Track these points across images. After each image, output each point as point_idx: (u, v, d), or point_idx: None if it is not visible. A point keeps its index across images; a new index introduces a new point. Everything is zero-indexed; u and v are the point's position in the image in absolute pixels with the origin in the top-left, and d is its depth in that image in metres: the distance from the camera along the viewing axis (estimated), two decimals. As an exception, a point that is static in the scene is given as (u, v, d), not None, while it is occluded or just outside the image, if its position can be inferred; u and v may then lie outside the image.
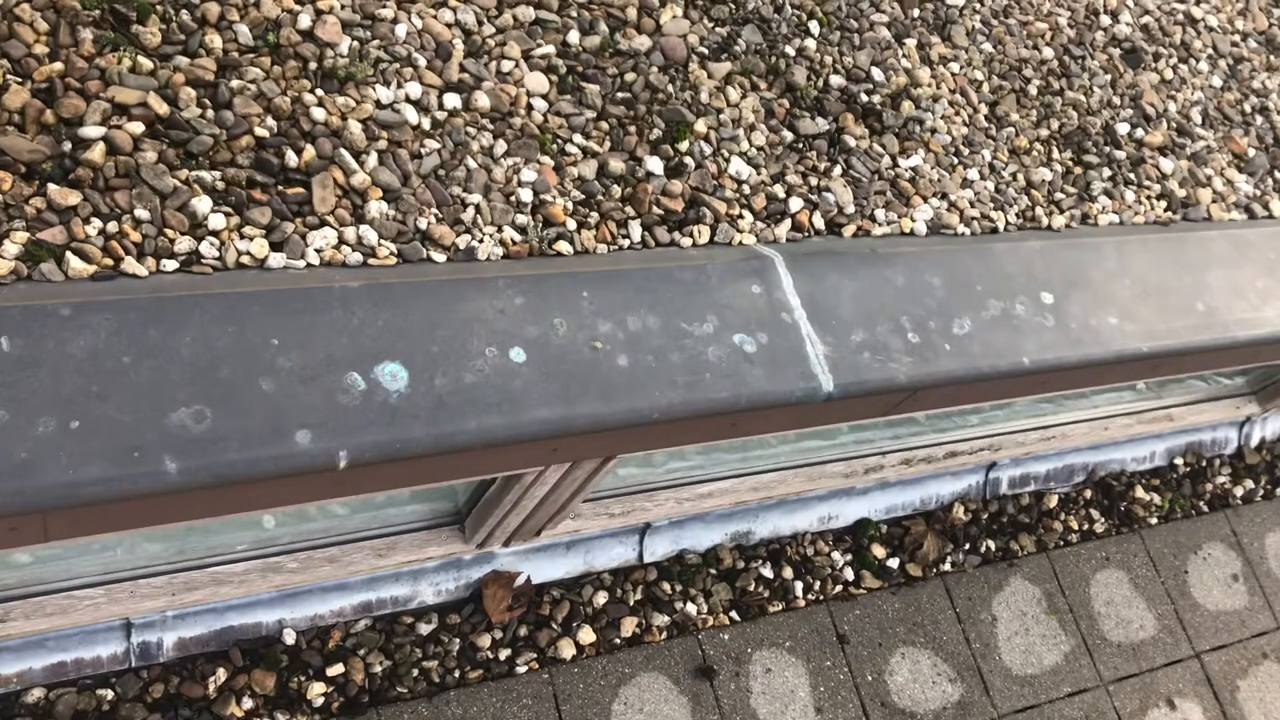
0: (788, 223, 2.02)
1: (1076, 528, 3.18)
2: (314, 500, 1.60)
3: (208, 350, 1.42)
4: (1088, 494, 3.25)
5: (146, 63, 1.62)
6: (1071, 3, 2.80)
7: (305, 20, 1.77)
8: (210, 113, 1.63)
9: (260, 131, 1.65)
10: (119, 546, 1.99)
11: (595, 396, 1.63)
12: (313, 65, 1.75)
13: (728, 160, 2.03)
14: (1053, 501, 3.17)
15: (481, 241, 1.72)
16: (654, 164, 1.94)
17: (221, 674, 2.08)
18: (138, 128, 1.57)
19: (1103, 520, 3.24)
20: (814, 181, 2.09)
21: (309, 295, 1.52)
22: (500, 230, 1.75)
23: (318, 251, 1.60)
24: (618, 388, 1.65)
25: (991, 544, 3.02)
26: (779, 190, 2.04)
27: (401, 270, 1.63)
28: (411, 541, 2.16)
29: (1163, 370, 2.41)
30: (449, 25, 1.90)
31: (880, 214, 2.12)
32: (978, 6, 2.62)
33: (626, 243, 1.87)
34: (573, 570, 2.48)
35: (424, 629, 2.28)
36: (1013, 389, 2.15)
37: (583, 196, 1.86)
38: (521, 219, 1.78)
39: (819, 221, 2.05)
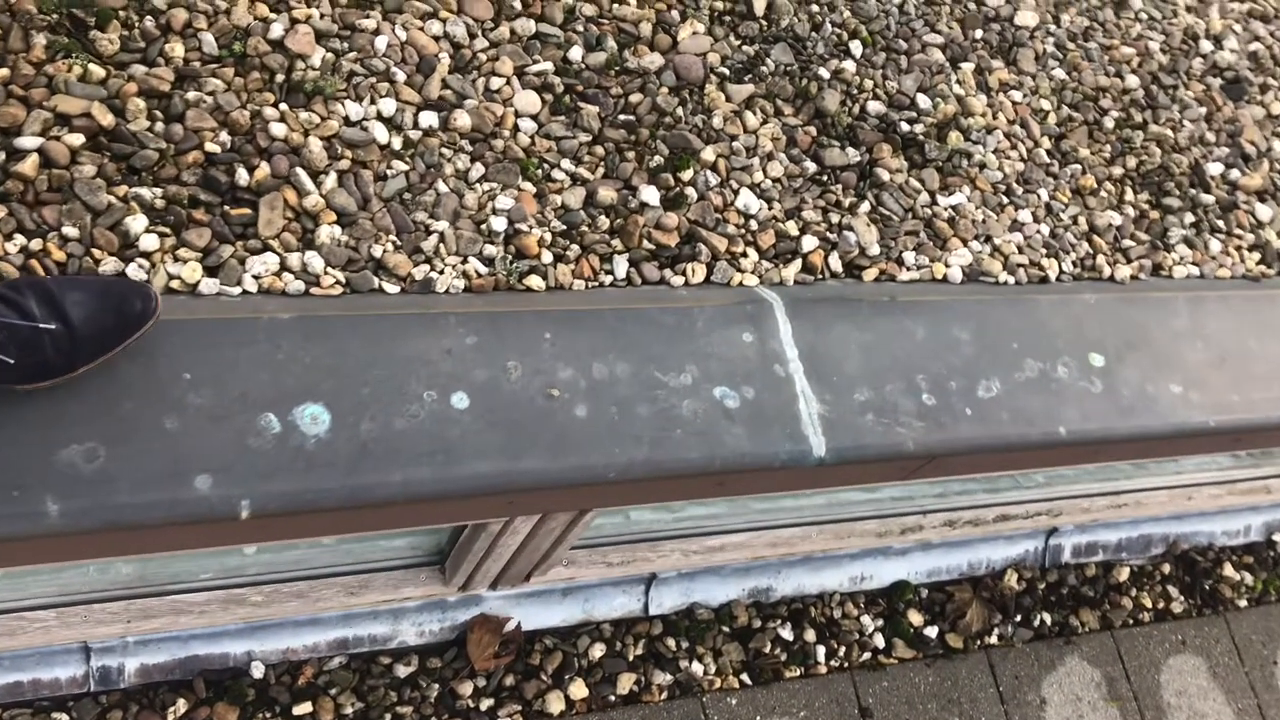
0: (798, 263, 1.82)
1: (1150, 605, 2.87)
2: (218, 546, 1.50)
3: (112, 382, 1.32)
4: (1166, 568, 2.94)
5: (98, 71, 1.54)
6: (1167, 25, 2.52)
7: (277, 29, 1.67)
8: (160, 125, 1.54)
9: (211, 147, 1.55)
10: (91, 566, 1.93)
11: (543, 450, 1.48)
12: (279, 78, 1.64)
13: (736, 192, 1.85)
14: (1123, 574, 2.87)
15: (441, 273, 1.59)
16: (649, 194, 1.78)
17: (182, 705, 2.00)
18: (77, 139, 1.48)
19: (1181, 599, 2.91)
20: (835, 218, 1.90)
21: (231, 326, 1.41)
22: (465, 261, 1.62)
23: (255, 278, 1.49)
24: (571, 442, 1.50)
25: (1047, 617, 2.75)
26: (791, 227, 1.85)
27: (345, 302, 1.51)
28: (386, 580, 2.04)
29: (1243, 445, 2.12)
30: (436, 38, 1.78)
31: (909, 257, 1.90)
32: (1052, 28, 2.37)
33: (609, 279, 1.71)
34: (569, 618, 2.32)
35: (402, 671, 2.16)
36: (1047, 460, 1.91)
37: (564, 227, 1.71)
38: (490, 249, 1.64)
39: (835, 263, 1.85)
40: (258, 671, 2.06)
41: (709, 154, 1.86)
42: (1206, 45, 2.51)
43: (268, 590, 1.95)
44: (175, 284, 1.46)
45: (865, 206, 1.93)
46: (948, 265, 1.92)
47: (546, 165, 1.75)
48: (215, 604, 1.92)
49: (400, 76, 1.72)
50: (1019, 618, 2.71)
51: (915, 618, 2.61)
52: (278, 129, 1.60)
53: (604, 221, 1.74)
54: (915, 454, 1.68)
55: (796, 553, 2.43)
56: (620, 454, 1.51)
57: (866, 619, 2.57)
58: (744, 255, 1.80)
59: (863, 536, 2.47)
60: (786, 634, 2.48)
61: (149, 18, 1.62)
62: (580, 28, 1.91)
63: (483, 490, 1.43)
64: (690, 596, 2.43)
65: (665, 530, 2.29)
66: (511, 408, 1.48)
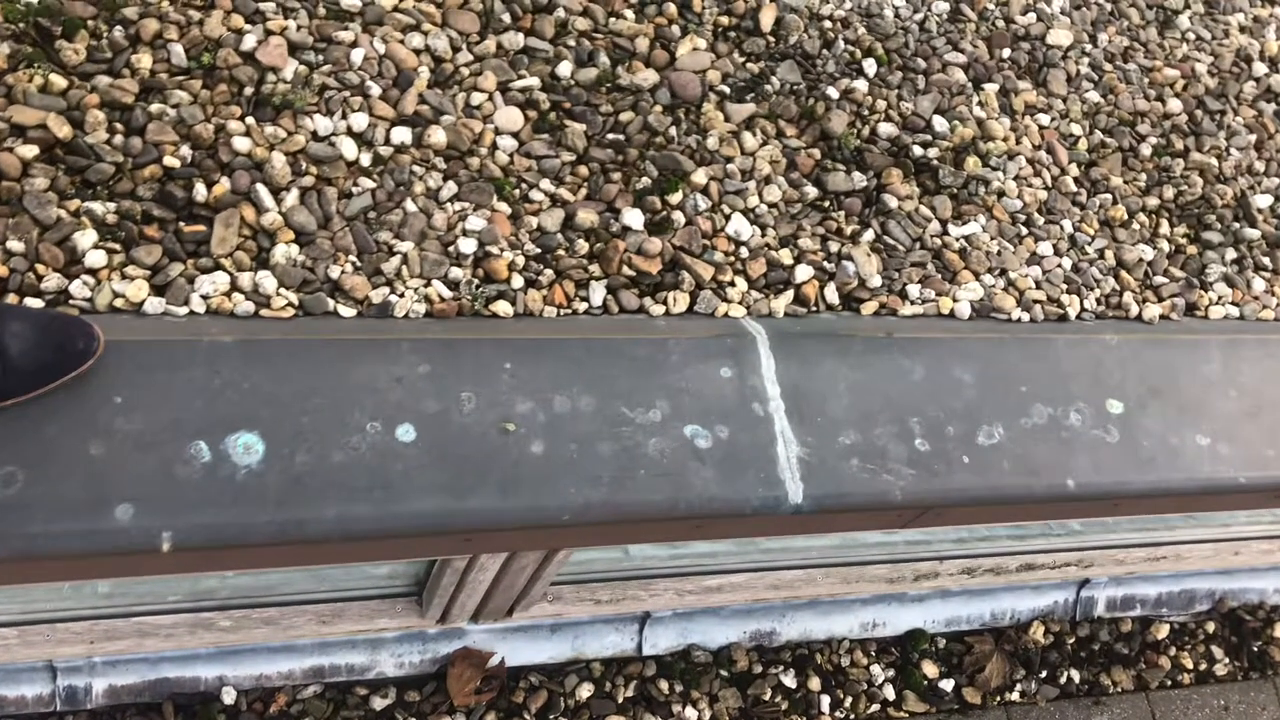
0: (789, 294, 1.72)
1: (1190, 666, 2.68)
2: (140, 577, 1.44)
3: (37, 404, 1.27)
4: (1210, 627, 2.74)
5: (60, 81, 1.51)
6: (1217, 46, 2.36)
7: (250, 41, 1.62)
8: (119, 138, 1.50)
9: (171, 161, 1.50)
10: (65, 585, 1.89)
11: (492, 489, 1.39)
12: (248, 91, 1.59)
13: (727, 217, 1.75)
14: (1162, 631, 2.69)
15: (402, 296, 1.52)
16: (633, 217, 1.69)
17: (149, 729, 1.96)
18: (31, 151, 1.45)
19: (1226, 660, 2.72)
20: (834, 247, 1.78)
21: (170, 348, 1.35)
22: (428, 284, 1.54)
23: (204, 298, 1.44)
24: (523, 480, 1.41)
25: (1075, 675, 2.58)
26: (785, 255, 1.75)
27: (293, 325, 1.45)
28: (361, 610, 1.97)
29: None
30: (417, 51, 1.72)
31: (914, 290, 1.78)
32: (1088, 48, 2.22)
33: (584, 306, 1.62)
34: (557, 655, 2.23)
35: (378, 703, 2.09)
36: (1054, 514, 1.77)
37: (538, 251, 1.62)
38: (457, 272, 1.56)
39: (832, 295, 1.74)
40: (229, 697, 2.01)
41: (700, 176, 1.76)
42: (1260, 68, 2.34)
43: (237, 615, 1.89)
44: (120, 302, 1.41)
45: (869, 235, 1.81)
46: (955, 300, 1.79)
47: (525, 185, 1.68)
48: (182, 627, 1.87)
49: (375, 90, 1.65)
50: (1044, 674, 2.55)
51: (930, 669, 2.46)
52: (241, 143, 1.54)
53: (582, 245, 1.65)
54: (903, 504, 1.56)
55: (800, 597, 2.31)
56: (576, 495, 1.42)
57: (877, 668, 2.43)
58: (731, 284, 1.70)
59: (873, 582, 2.34)
60: (789, 681, 2.36)
61: (118, 28, 1.59)
62: (572, 42, 1.83)
63: (424, 530, 1.36)
64: (687, 637, 2.33)
65: (660, 567, 2.19)
66: (461, 442, 1.40)
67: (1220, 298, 1.99)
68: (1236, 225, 2.09)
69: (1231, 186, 2.14)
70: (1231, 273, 2.02)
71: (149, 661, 1.96)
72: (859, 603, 2.45)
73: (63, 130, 1.47)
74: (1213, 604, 2.77)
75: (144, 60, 1.57)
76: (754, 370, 1.58)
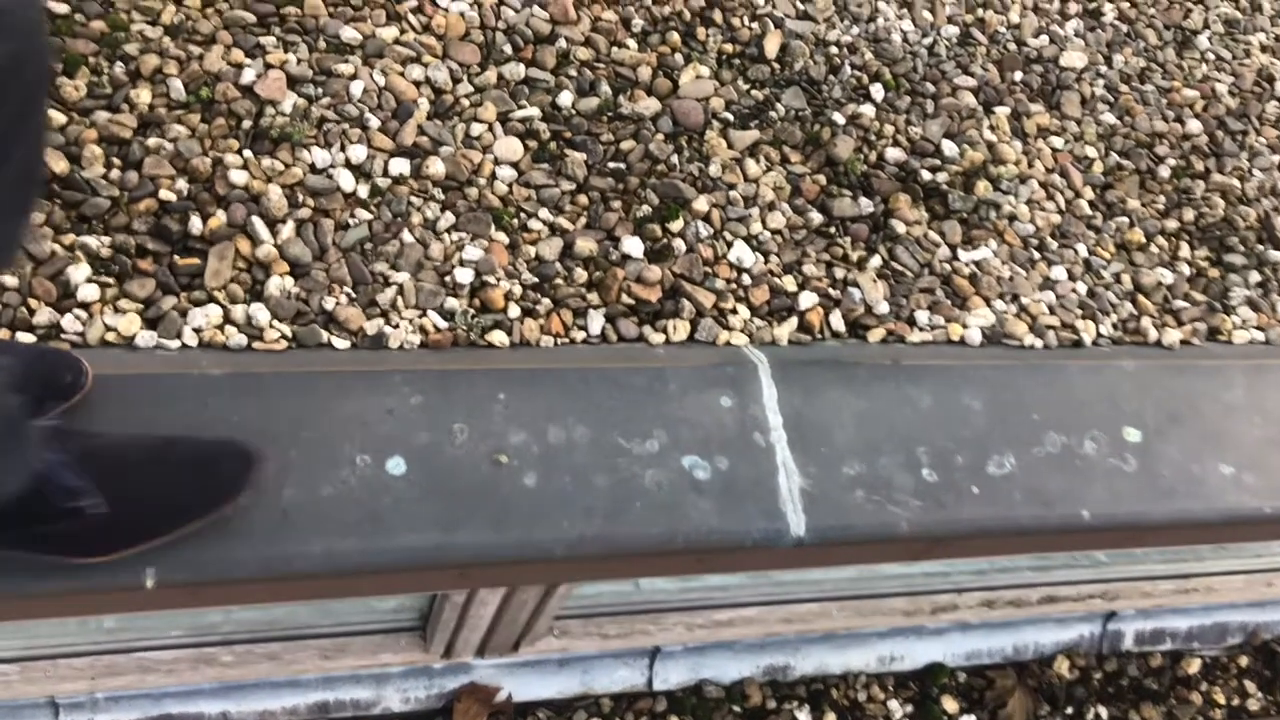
0: (793, 321, 1.68)
1: (1223, 702, 2.59)
2: (123, 613, 1.42)
3: (24, 439, 1.26)
4: (1243, 661, 2.65)
5: (59, 117, 1.51)
6: (1238, 66, 2.31)
7: (249, 75, 1.62)
8: (116, 173, 1.50)
9: (167, 195, 1.50)
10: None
11: (483, 522, 1.37)
12: (246, 124, 1.59)
13: (730, 244, 1.72)
14: (1193, 666, 2.60)
15: (396, 327, 1.50)
16: (632, 245, 1.67)
17: (153, 765, 1.94)
18: (27, 186, 1.45)
19: (1260, 696, 2.62)
20: (839, 274, 1.75)
21: (158, 382, 1.34)
22: (423, 314, 1.53)
23: (196, 331, 1.43)
24: (516, 513, 1.38)
25: (1103, 711, 2.49)
26: (789, 282, 1.71)
27: (285, 358, 1.43)
28: (364, 645, 1.95)
29: (1312, 533, 1.88)
30: (417, 83, 1.71)
31: (922, 316, 1.74)
32: (1103, 69, 2.19)
33: (582, 336, 1.60)
34: (565, 691, 2.19)
35: (384, 740, 2.06)
36: (1068, 545, 1.71)
37: (536, 280, 1.60)
38: (453, 303, 1.55)
39: (837, 322, 1.71)
40: (233, 733, 1.99)
41: (702, 204, 1.74)
42: (1283, 88, 2.29)
43: (239, 650, 1.88)
44: (111, 336, 1.40)
45: (875, 261, 1.78)
46: (965, 326, 1.75)
47: (523, 215, 1.66)
48: (184, 663, 1.86)
49: (374, 123, 1.65)
50: (1070, 710, 2.47)
51: (950, 704, 2.39)
52: (238, 176, 1.54)
53: (581, 274, 1.63)
54: (910, 536, 1.51)
55: (814, 630, 2.26)
56: (570, 528, 1.39)
57: (894, 703, 2.37)
58: (733, 312, 1.67)
59: (889, 615, 2.28)
60: (804, 717, 2.30)
61: (119, 64, 1.60)
62: (573, 72, 1.82)
63: (414, 564, 1.33)
64: (699, 672, 2.28)
65: (670, 601, 2.15)
66: (453, 474, 1.38)
67: (1244, 321, 1.93)
68: (1260, 247, 2.04)
69: (1255, 208, 2.09)
70: (1255, 296, 1.97)
71: (151, 697, 1.95)
72: (876, 636, 2.39)
73: (59, 165, 1.48)
74: (1245, 637, 2.68)
75: (143, 95, 1.57)
76: (755, 399, 1.55)
